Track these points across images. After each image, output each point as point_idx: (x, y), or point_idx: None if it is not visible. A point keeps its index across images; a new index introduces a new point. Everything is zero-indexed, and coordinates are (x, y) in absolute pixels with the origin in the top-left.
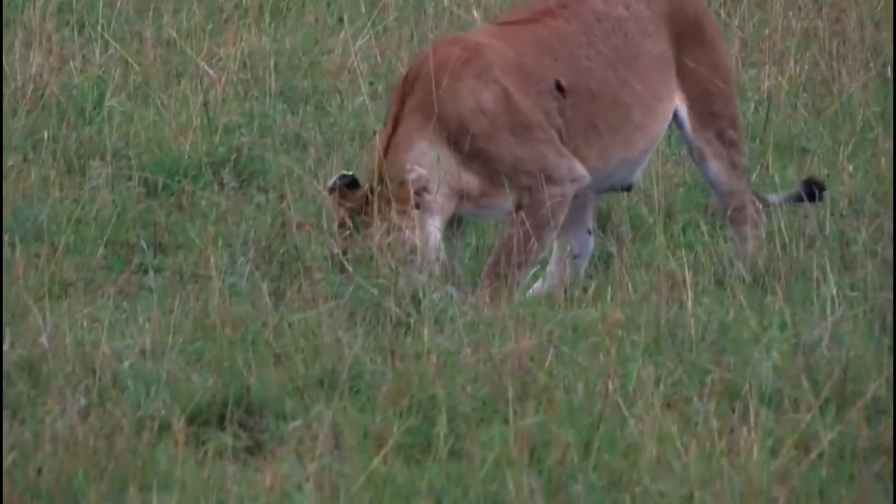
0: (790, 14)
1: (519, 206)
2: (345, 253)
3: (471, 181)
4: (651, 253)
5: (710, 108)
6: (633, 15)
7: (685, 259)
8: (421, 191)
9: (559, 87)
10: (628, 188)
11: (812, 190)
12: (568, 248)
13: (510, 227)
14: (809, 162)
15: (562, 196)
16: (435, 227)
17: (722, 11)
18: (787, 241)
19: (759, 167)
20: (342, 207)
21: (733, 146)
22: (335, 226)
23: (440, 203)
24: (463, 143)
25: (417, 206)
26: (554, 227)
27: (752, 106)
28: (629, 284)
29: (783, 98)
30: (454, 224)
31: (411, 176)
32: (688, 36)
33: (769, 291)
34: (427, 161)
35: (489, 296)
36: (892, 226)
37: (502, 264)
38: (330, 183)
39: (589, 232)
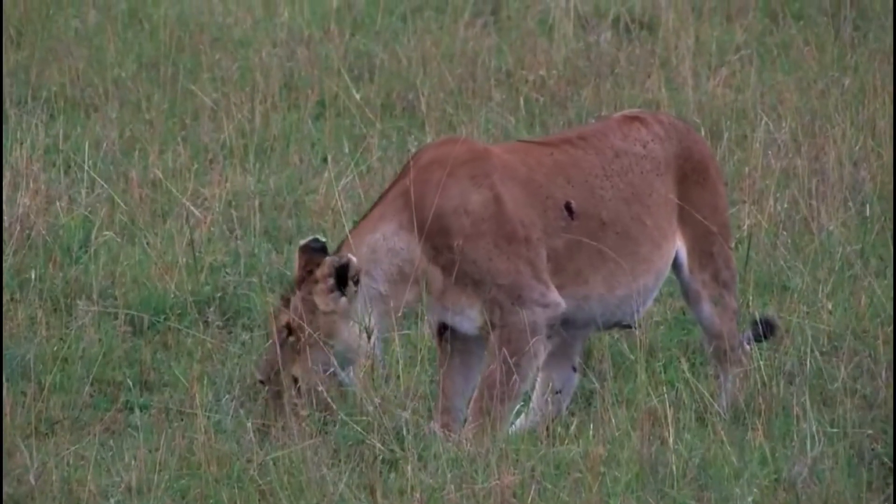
0: (769, 153)
1: (492, 326)
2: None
3: (435, 275)
4: (632, 390)
5: (709, 248)
6: (649, 154)
7: (666, 396)
8: (348, 278)
9: (568, 209)
10: (629, 326)
11: (760, 330)
12: (551, 384)
13: (491, 362)
14: (789, 300)
15: (533, 323)
16: (370, 316)
17: None
18: (766, 378)
19: (739, 305)
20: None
21: (727, 288)
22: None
23: (383, 292)
24: (436, 237)
25: (342, 294)
26: (533, 356)
27: (733, 244)
28: (611, 421)
29: (763, 236)
30: (464, 359)
31: (336, 261)
32: (693, 176)
33: (749, 428)
34: (385, 247)
35: (474, 432)
36: (870, 363)
37: (486, 399)
38: (302, 242)
39: (574, 368)
